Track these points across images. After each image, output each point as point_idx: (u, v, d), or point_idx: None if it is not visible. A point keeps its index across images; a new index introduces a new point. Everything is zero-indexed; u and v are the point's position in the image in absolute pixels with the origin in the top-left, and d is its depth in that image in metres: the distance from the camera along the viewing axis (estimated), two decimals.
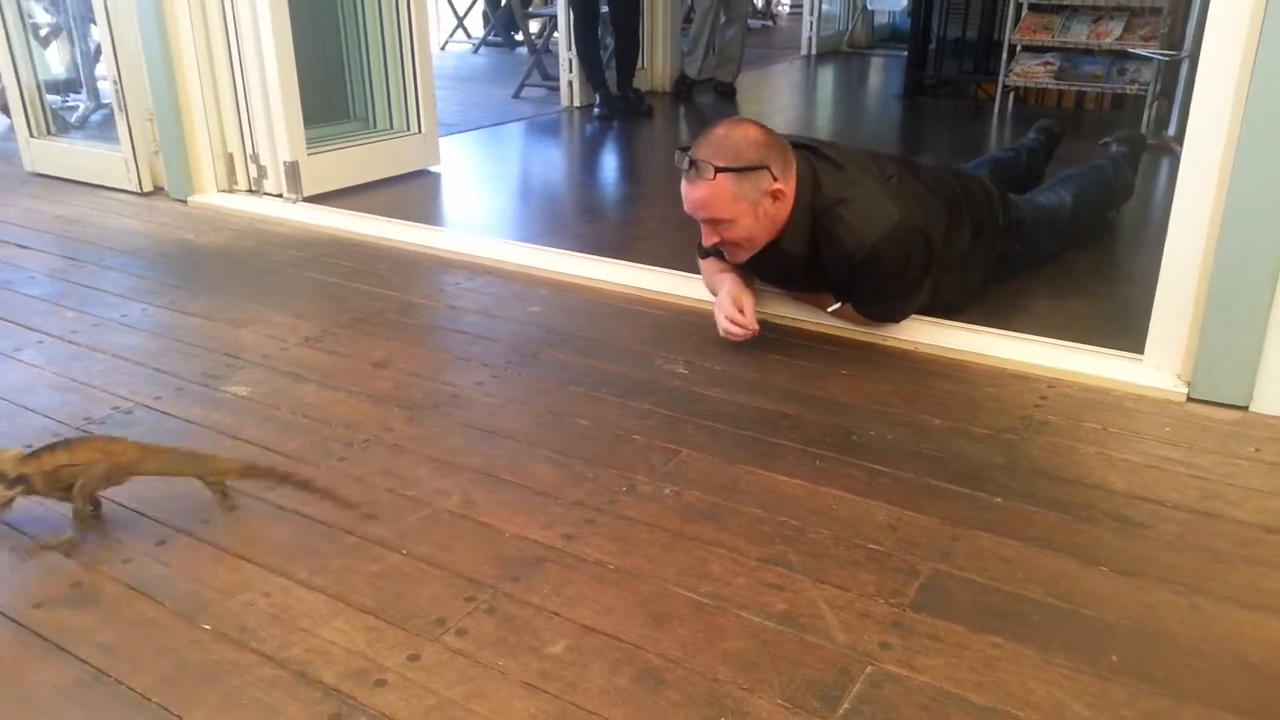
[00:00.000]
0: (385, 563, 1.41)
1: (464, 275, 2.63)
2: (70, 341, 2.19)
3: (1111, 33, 4.75)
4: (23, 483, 1.42)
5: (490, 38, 7.87)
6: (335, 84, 3.78)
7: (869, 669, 1.20)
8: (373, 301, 2.43)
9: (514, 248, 2.82)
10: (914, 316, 2.18)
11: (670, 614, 1.30)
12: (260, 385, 1.97)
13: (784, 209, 2.02)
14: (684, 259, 2.50)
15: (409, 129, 3.72)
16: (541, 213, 3.47)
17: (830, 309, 2.18)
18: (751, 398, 1.91)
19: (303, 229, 3.05)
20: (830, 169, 2.05)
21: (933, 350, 2.11)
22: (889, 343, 2.14)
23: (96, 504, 1.51)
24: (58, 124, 3.86)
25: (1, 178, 3.73)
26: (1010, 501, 1.55)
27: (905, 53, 5.90)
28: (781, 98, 5.92)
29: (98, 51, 3.83)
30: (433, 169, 3.76)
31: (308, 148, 3.27)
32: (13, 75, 3.63)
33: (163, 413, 1.86)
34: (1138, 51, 4.60)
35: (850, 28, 7.72)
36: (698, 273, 2.38)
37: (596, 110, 4.95)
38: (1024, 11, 5.01)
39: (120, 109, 3.35)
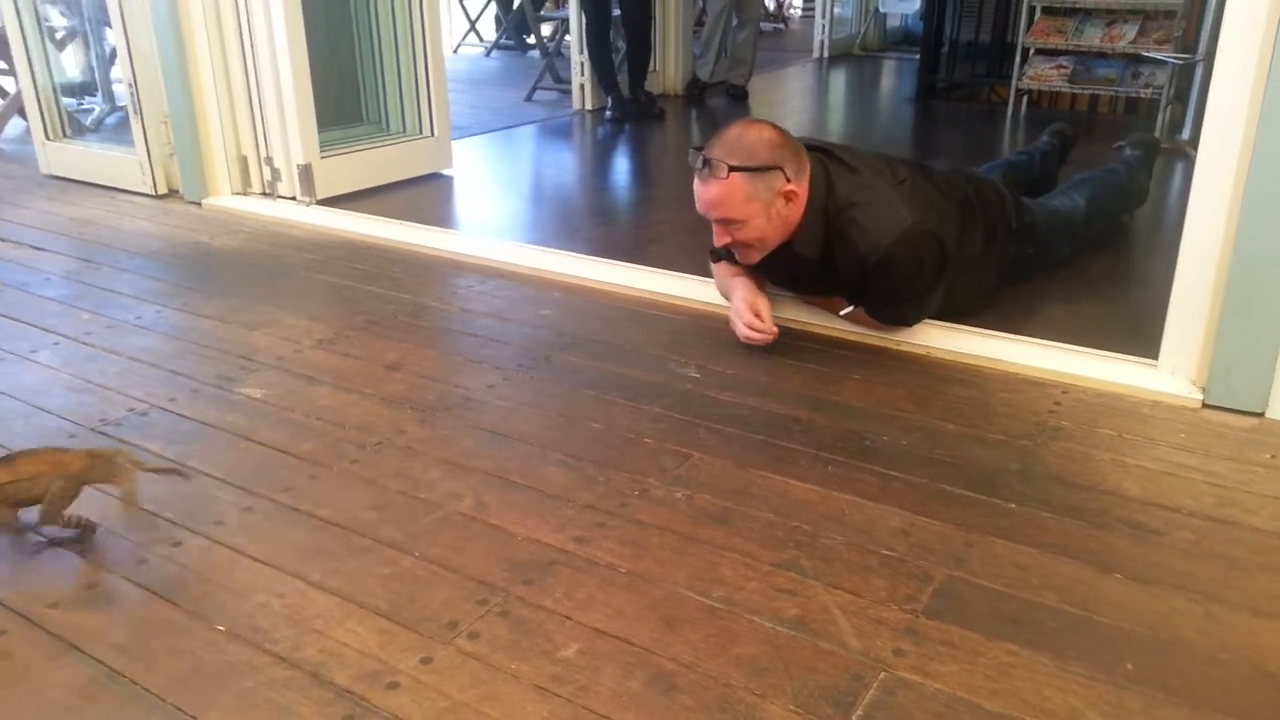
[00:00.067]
0: (398, 565, 1.41)
1: (476, 278, 2.64)
2: (85, 343, 2.20)
3: (1125, 36, 4.73)
4: None
5: (502, 41, 7.89)
6: (348, 87, 3.79)
7: (882, 675, 1.19)
8: (386, 304, 2.44)
9: (526, 251, 2.83)
10: (927, 320, 2.17)
11: (682, 618, 1.30)
12: (274, 387, 1.98)
13: (796, 210, 2.01)
14: (696, 262, 2.50)
15: (422, 132, 3.73)
16: (554, 216, 3.47)
17: (842, 313, 2.18)
18: (763, 402, 1.91)
19: (316, 232, 3.06)
20: (844, 171, 2.05)
21: (946, 355, 2.10)
22: (902, 347, 2.14)
23: (79, 524, 1.44)
24: (73, 127, 3.88)
25: (18, 180, 3.75)
26: (1025, 508, 1.54)
27: (918, 56, 5.89)
28: (793, 101, 5.92)
29: (113, 55, 3.86)
30: (445, 172, 3.77)
31: (321, 151, 3.28)
32: (29, 78, 3.66)
33: (178, 414, 1.86)
34: (1152, 55, 4.58)
35: (862, 31, 7.71)
36: (710, 276, 2.38)
37: (608, 113, 4.95)
38: (1037, 15, 5.00)
39: (135, 112, 3.36)
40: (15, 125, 4.52)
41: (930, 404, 1.89)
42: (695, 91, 5.59)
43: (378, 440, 1.77)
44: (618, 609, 1.32)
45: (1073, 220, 2.59)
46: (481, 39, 8.12)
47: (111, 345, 2.19)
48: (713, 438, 1.77)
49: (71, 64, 4.15)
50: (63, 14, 4.06)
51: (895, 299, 2.11)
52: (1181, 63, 4.29)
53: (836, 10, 7.47)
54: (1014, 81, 5.07)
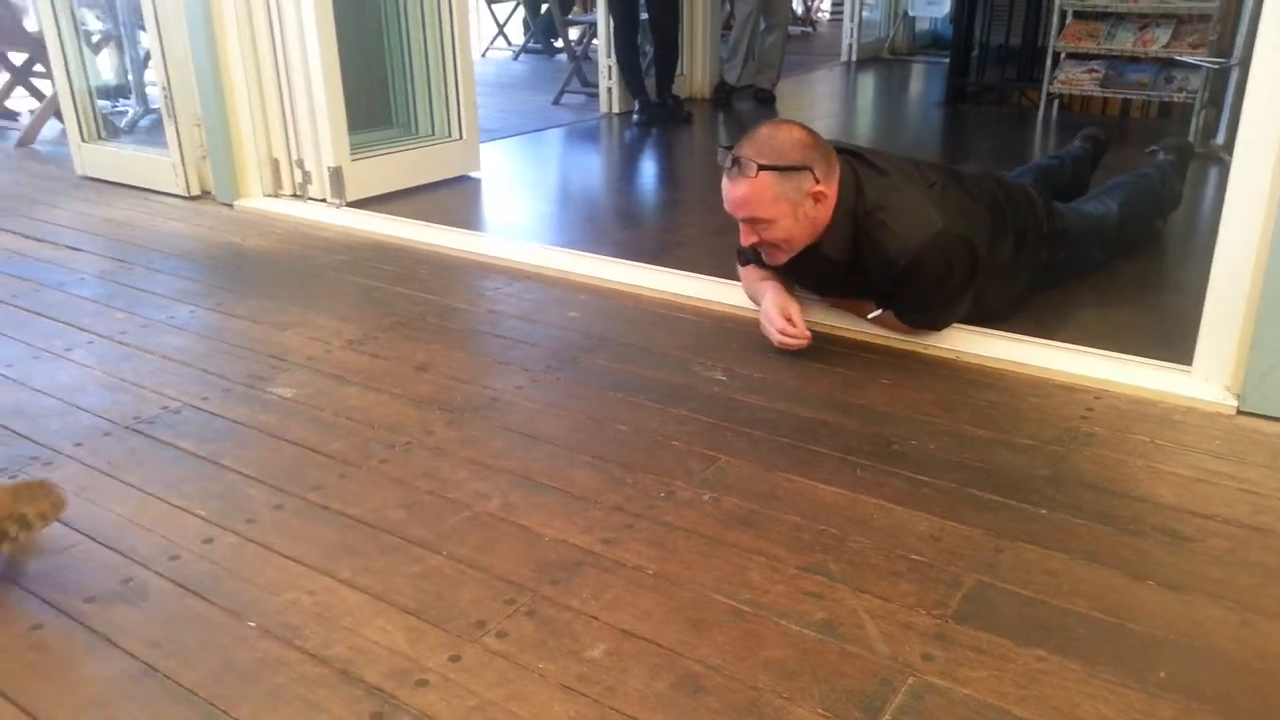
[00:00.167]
0: (426, 564, 1.42)
1: (504, 280, 2.65)
2: (120, 342, 2.23)
3: (1158, 40, 4.69)
4: None
5: (530, 45, 7.92)
6: (378, 91, 3.82)
7: (911, 680, 1.19)
8: (414, 305, 2.45)
9: (553, 253, 2.84)
10: (955, 325, 2.16)
11: (709, 621, 1.30)
12: (305, 387, 2.00)
13: (825, 212, 2.01)
14: (723, 265, 2.50)
15: (450, 135, 3.75)
16: (581, 218, 3.48)
17: (870, 316, 2.17)
18: (791, 405, 1.90)
19: (346, 233, 3.09)
20: (873, 174, 2.04)
21: (975, 359, 2.09)
22: (930, 351, 2.13)
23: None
24: (108, 129, 3.94)
25: (53, 181, 3.81)
26: (1056, 514, 1.53)
27: (947, 59, 5.86)
28: (821, 104, 5.90)
29: (147, 58, 3.91)
30: (473, 175, 3.79)
31: (351, 153, 3.31)
32: (66, 81, 3.71)
33: (210, 413, 1.89)
34: (1185, 59, 4.53)
35: (891, 34, 7.68)
36: (737, 279, 2.38)
37: (635, 117, 4.96)
38: (1068, 19, 4.96)
39: (169, 115, 3.41)
40: (51, 127, 4.59)
41: (959, 409, 1.88)
42: (722, 95, 5.58)
43: (406, 440, 1.78)
44: (645, 610, 1.32)
45: (1105, 225, 2.57)
46: (509, 43, 8.17)
47: (145, 344, 2.22)
48: (740, 440, 1.77)
49: (106, 67, 4.21)
50: (98, 18, 4.12)
51: (924, 303, 2.10)
52: (1216, 67, 4.24)
53: (865, 14, 7.44)
54: (1045, 86, 5.03)
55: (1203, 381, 1.92)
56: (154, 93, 3.74)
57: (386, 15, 3.74)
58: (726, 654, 1.23)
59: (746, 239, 2.06)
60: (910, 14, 7.74)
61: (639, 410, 1.88)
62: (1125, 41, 4.79)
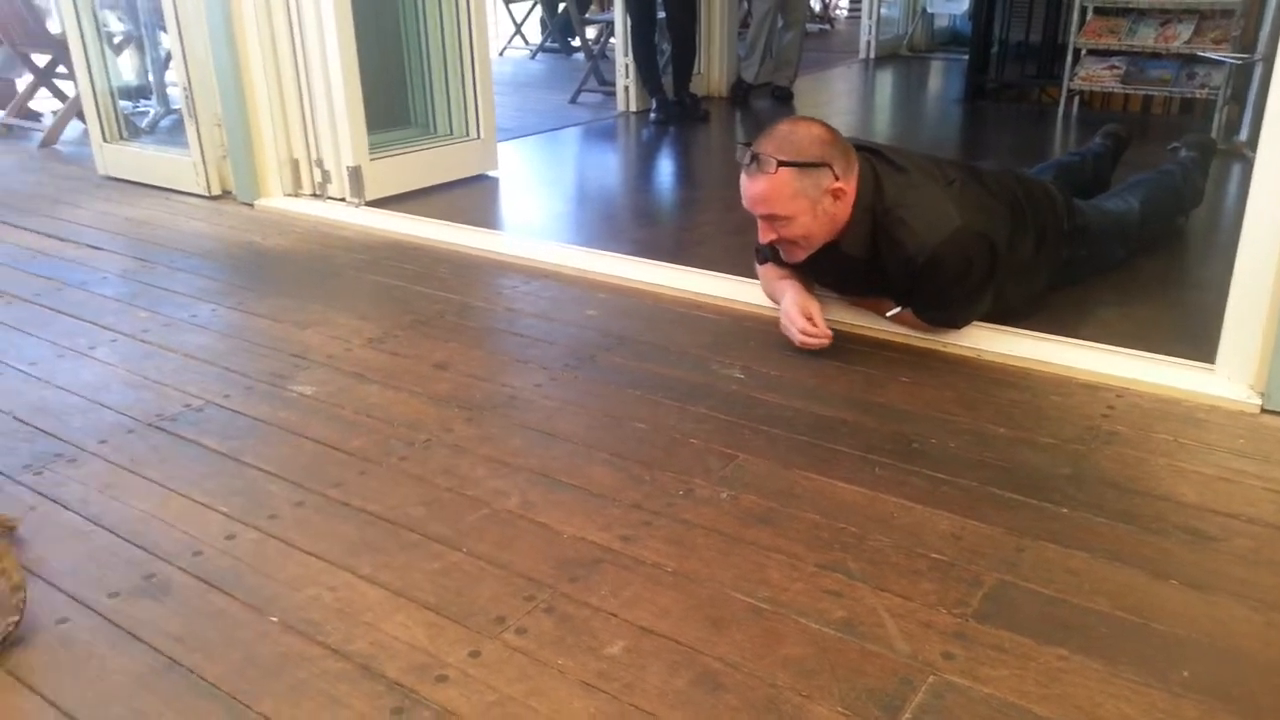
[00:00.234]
0: (446, 560, 1.42)
1: (522, 279, 2.65)
2: (142, 340, 2.25)
3: (1180, 36, 4.65)
4: None
5: (547, 44, 7.93)
6: (397, 91, 3.84)
7: (931, 679, 1.18)
8: (433, 304, 2.46)
9: (571, 251, 2.84)
10: (975, 322, 2.15)
11: (728, 618, 1.30)
12: (325, 385, 2.01)
13: (844, 209, 2.00)
14: (740, 264, 2.50)
15: (468, 134, 3.77)
16: (598, 217, 3.48)
17: (889, 314, 2.17)
18: (809, 403, 1.90)
19: (365, 232, 3.10)
20: (892, 171, 2.04)
21: (996, 357, 2.07)
22: (950, 349, 2.12)
23: None
24: (129, 129, 3.97)
25: (76, 181, 3.84)
26: (1077, 512, 1.52)
27: (966, 56, 5.83)
28: (839, 102, 5.88)
29: (168, 59, 3.94)
30: (491, 174, 3.80)
31: (370, 153, 3.33)
32: (88, 82, 3.75)
33: (233, 411, 1.90)
34: (1208, 55, 4.49)
35: (910, 31, 7.65)
36: (755, 277, 2.37)
37: (653, 115, 4.96)
38: (1089, 15, 4.92)
39: (190, 115, 3.43)
40: (74, 128, 4.63)
41: (980, 407, 1.87)
42: (740, 93, 5.57)
43: (426, 438, 1.79)
44: (664, 608, 1.32)
45: (1126, 222, 2.55)
46: (527, 42, 8.18)
47: (167, 342, 2.24)
48: (758, 439, 1.76)
49: (128, 68, 4.25)
50: (120, 19, 4.15)
51: (943, 300, 2.09)
52: (1239, 62, 4.20)
53: (883, 11, 7.41)
54: (1065, 82, 4.99)
55: (1226, 380, 1.90)
56: (175, 93, 3.77)
57: (405, 15, 3.75)
58: (745, 652, 1.23)
59: (765, 236, 2.06)
60: (929, 10, 7.70)
61: (657, 408, 1.89)
62: (1147, 37, 4.75)
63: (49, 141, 4.50)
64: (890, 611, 1.30)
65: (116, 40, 4.13)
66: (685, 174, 4.27)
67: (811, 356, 2.09)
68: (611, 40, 5.84)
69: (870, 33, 7.25)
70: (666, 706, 1.15)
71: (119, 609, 1.33)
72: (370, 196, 3.34)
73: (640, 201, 3.74)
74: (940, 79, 6.69)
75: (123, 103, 3.96)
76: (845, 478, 1.63)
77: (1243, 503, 1.55)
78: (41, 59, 4.81)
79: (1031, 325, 2.18)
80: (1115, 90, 4.93)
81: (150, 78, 4.31)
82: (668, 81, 5.00)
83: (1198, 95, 4.66)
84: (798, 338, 2.09)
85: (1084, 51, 4.93)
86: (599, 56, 6.07)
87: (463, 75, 3.70)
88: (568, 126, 4.98)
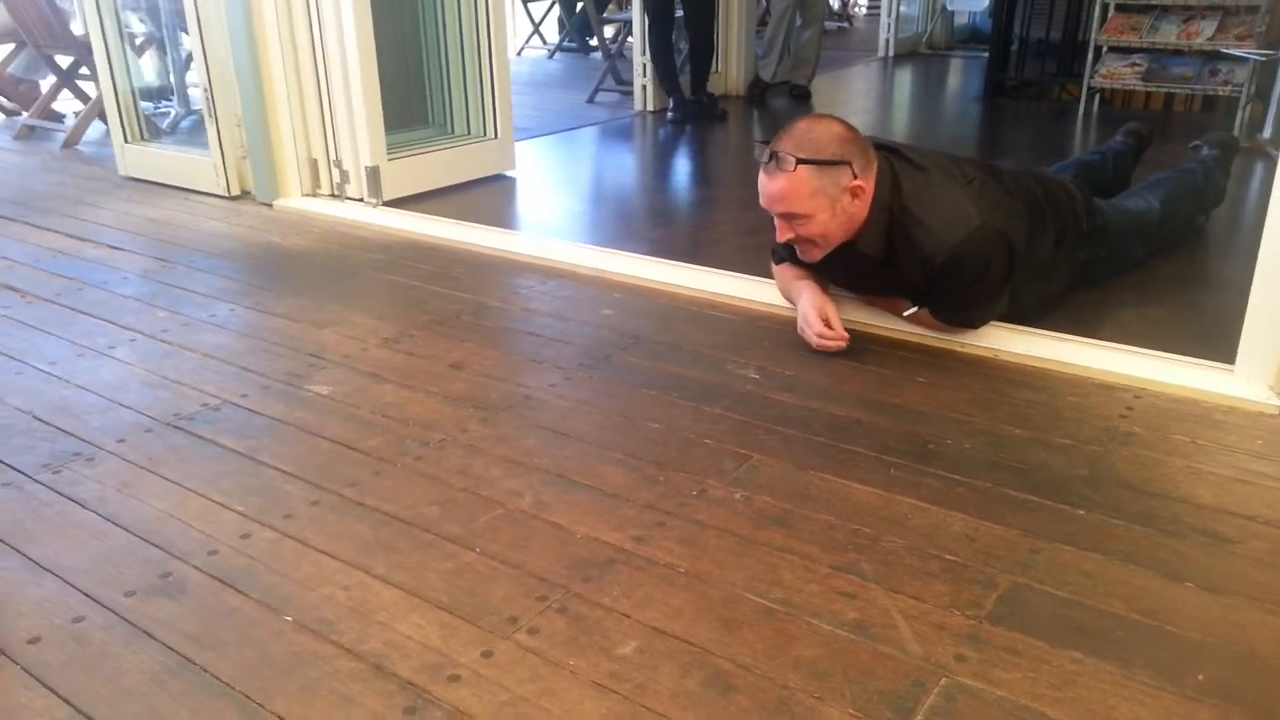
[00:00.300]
0: (459, 560, 1.43)
1: (538, 278, 2.66)
2: (161, 340, 2.27)
3: (1203, 33, 4.60)
4: None
5: (565, 43, 7.94)
6: (415, 91, 3.85)
7: (943, 681, 1.18)
8: (449, 304, 2.47)
9: (587, 251, 2.84)
10: (993, 322, 2.14)
11: (740, 619, 1.29)
12: (341, 385, 2.02)
13: (862, 207, 1.99)
14: (756, 263, 2.49)
15: (486, 134, 3.78)
16: (614, 217, 3.49)
17: (906, 314, 2.16)
18: (824, 404, 1.89)
19: (382, 232, 3.12)
20: (911, 170, 2.03)
21: (1013, 358, 2.06)
22: (967, 349, 2.11)
23: None
24: (150, 130, 4.01)
25: (97, 182, 3.88)
26: (1093, 514, 1.51)
27: (986, 54, 5.80)
28: (857, 101, 5.86)
29: (189, 59, 3.97)
30: (508, 174, 3.81)
31: (388, 153, 3.34)
32: (110, 83, 3.78)
33: (249, 410, 1.91)
34: (1231, 52, 4.44)
35: (929, 29, 7.61)
36: (770, 277, 2.37)
37: (670, 114, 4.96)
38: (1110, 11, 4.88)
39: (210, 115, 3.46)
40: (96, 129, 4.67)
41: (996, 408, 1.86)
42: (757, 92, 5.56)
43: (441, 438, 1.79)
44: (676, 608, 1.32)
45: (1146, 222, 2.53)
46: (545, 41, 8.19)
47: (186, 342, 2.25)
48: (772, 439, 1.76)
49: (149, 69, 4.28)
50: (141, 20, 4.19)
51: (961, 301, 2.08)
52: (1264, 59, 4.15)
53: (902, 8, 7.38)
54: (1086, 80, 4.96)
55: (1245, 381, 1.88)
56: (195, 94, 3.80)
57: (423, 15, 3.77)
58: (758, 653, 1.23)
59: (782, 235, 2.05)
60: (949, 8, 7.67)
61: (671, 408, 1.89)
62: (1169, 34, 4.71)
63: (71, 142, 4.55)
64: (903, 613, 1.30)
65: (138, 41, 4.17)
66: (702, 173, 4.27)
67: (826, 357, 2.08)
68: (629, 39, 5.84)
69: (889, 30, 7.22)
70: (678, 707, 1.15)
71: (135, 607, 1.34)
72: (388, 196, 3.35)
73: (656, 201, 3.74)
74: (959, 77, 6.65)
75: (144, 103, 3.99)
76: (860, 479, 1.63)
77: (1260, 505, 1.53)
78: (65, 60, 4.86)
79: (1049, 325, 2.17)
80: (1136, 88, 4.89)
81: (171, 78, 4.34)
82: (685, 80, 4.99)
83: (1220, 92, 4.62)
84: (815, 340, 2.09)
85: (1105, 49, 4.89)
86: (616, 56, 6.07)
87: (481, 75, 3.71)
88: (585, 126, 4.99)
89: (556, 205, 3.57)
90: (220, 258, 2.90)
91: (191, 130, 4.07)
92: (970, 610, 1.30)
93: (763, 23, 6.07)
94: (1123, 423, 1.80)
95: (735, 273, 2.57)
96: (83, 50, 4.50)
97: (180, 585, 1.39)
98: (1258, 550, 1.42)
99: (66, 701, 1.18)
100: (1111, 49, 4.88)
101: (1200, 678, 1.18)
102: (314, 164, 3.43)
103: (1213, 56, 4.61)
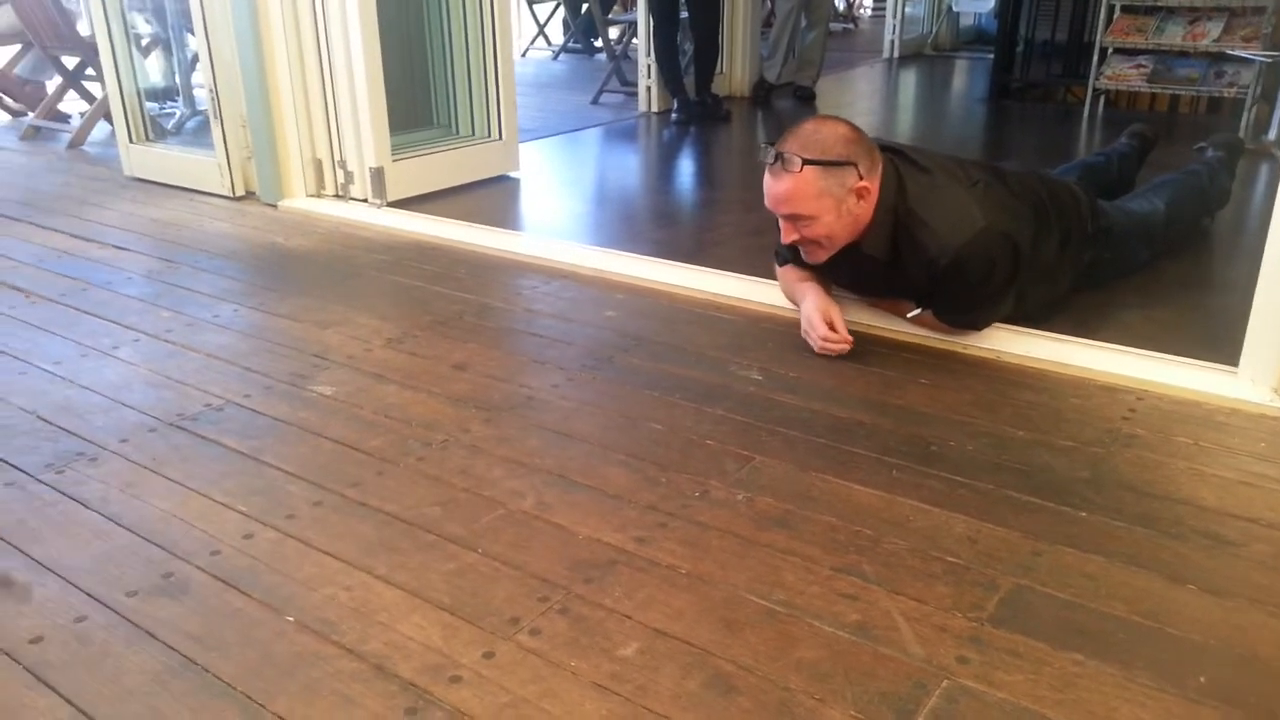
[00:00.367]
0: (461, 561, 1.43)
1: (541, 279, 2.66)
2: (165, 340, 2.28)
3: (1209, 34, 4.59)
4: None
5: (570, 44, 7.94)
6: (420, 91, 3.86)
7: (945, 683, 1.18)
8: (452, 305, 2.47)
9: (590, 252, 2.84)
10: (996, 324, 2.13)
11: (742, 621, 1.29)
12: (344, 385, 2.02)
13: (867, 209, 1.99)
14: (759, 265, 2.49)
15: (490, 135, 3.78)
16: (618, 218, 3.49)
17: (909, 315, 2.15)
18: (827, 405, 1.89)
19: (386, 233, 3.12)
20: (915, 172, 2.03)
21: (1016, 359, 2.06)
22: (970, 351, 2.10)
23: None
24: (155, 131, 4.01)
25: (102, 182, 3.89)
26: (1095, 516, 1.51)
27: (991, 55, 5.79)
28: (862, 102, 5.86)
29: (194, 60, 3.98)
30: (512, 175, 3.81)
31: (393, 154, 3.35)
32: (115, 83, 3.79)
33: (253, 410, 1.92)
34: (1237, 53, 4.43)
35: (934, 30, 7.61)
36: (773, 279, 2.37)
37: (674, 116, 4.96)
38: (1116, 13, 4.87)
39: (215, 116, 3.47)
40: (101, 129, 4.68)
41: (999, 409, 1.86)
42: (762, 93, 5.56)
43: (443, 438, 1.79)
44: (678, 610, 1.32)
45: (1151, 224, 2.52)
46: (549, 43, 8.20)
47: (190, 342, 2.26)
48: (775, 441, 1.76)
49: (155, 70, 4.29)
50: (147, 21, 4.20)
51: (965, 303, 2.08)
52: (1270, 61, 4.14)
53: (908, 9, 7.36)
54: (1091, 81, 4.95)
55: (1249, 383, 1.88)
56: (201, 95, 3.80)
57: (428, 16, 3.77)
58: (759, 654, 1.23)
59: (787, 236, 2.05)
60: (954, 9, 7.66)
61: (674, 409, 1.89)
62: (1175, 36, 4.70)
63: (77, 143, 4.56)
64: (905, 615, 1.30)
65: (144, 42, 4.18)
66: (705, 175, 4.27)
67: (830, 358, 2.08)
68: (634, 41, 5.84)
69: (894, 31, 7.21)
70: (679, 709, 1.15)
71: (137, 607, 1.34)
72: (392, 197, 3.36)
73: (660, 202, 3.74)
74: (965, 78, 6.64)
75: (149, 104, 4.00)
76: (862, 480, 1.63)
77: (1263, 507, 1.53)
78: (71, 61, 4.88)
79: (1052, 327, 2.16)
80: (1142, 89, 4.88)
81: (176, 79, 4.36)
82: (690, 81, 4.99)
83: (1226, 94, 4.61)
84: (818, 344, 2.09)
85: (1111, 50, 4.88)
86: (621, 57, 6.07)
87: (485, 76, 3.71)
88: (589, 127, 4.99)
89: (560, 206, 3.57)
90: (224, 258, 2.90)
91: (196, 131, 4.08)
92: (972, 612, 1.30)
93: (768, 24, 6.07)
94: (1125, 425, 1.80)
95: (738, 274, 2.57)
96: (89, 51, 4.52)
97: (182, 585, 1.39)
98: (1260, 553, 1.42)
99: (68, 701, 1.18)
100: (1117, 50, 4.87)
101: (1202, 680, 1.17)
102: (319, 165, 3.43)
103: (1218, 58, 4.60)
